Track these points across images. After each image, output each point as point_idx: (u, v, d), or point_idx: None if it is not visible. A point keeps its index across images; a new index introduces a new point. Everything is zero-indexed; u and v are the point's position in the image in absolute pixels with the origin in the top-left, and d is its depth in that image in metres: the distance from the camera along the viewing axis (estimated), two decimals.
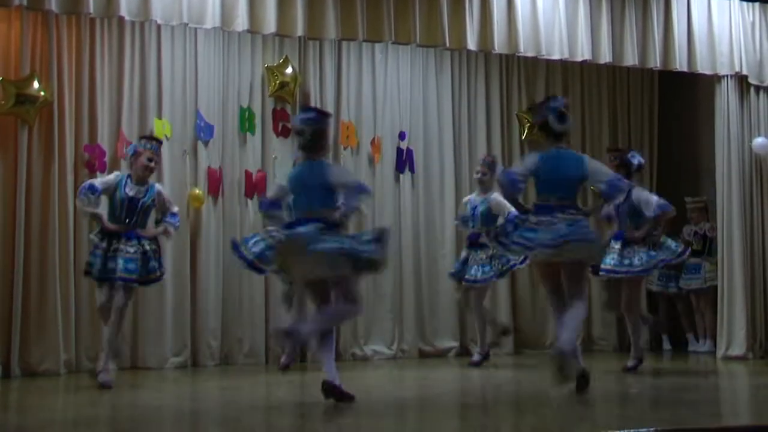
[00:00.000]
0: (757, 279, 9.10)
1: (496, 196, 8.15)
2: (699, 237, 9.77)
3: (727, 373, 8.26)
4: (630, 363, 7.75)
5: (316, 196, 6.01)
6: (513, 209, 6.98)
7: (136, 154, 7.13)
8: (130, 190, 7.04)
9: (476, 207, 8.42)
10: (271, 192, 6.55)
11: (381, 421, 5.58)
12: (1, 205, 7.90)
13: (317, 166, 6.11)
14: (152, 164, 7.18)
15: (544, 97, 7.69)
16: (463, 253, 8.53)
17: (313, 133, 6.10)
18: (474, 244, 8.38)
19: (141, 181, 7.09)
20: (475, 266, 8.31)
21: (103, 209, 7.09)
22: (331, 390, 5.82)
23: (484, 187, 8.44)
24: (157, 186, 7.32)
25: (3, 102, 7.88)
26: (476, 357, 8.49)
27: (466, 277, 8.34)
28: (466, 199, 8.75)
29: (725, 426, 5.30)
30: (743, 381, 7.80)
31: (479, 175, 8.52)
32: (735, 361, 8.76)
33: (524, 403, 6.29)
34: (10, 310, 7.77)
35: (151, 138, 7.49)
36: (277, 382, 7.73)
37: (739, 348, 8.89)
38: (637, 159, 7.98)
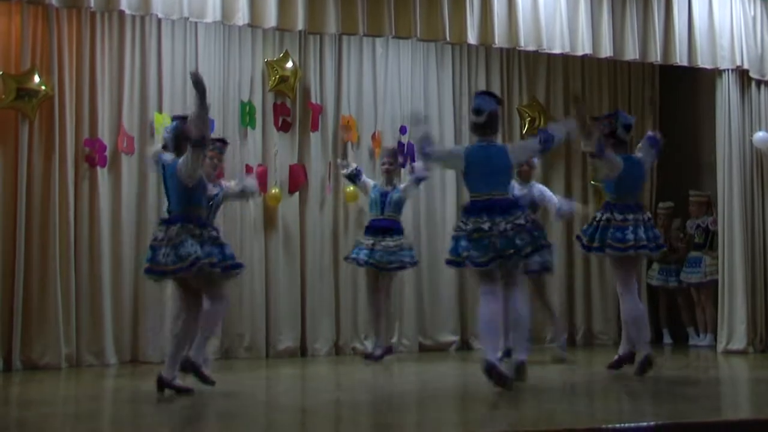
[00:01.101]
0: (758, 273, 9.10)
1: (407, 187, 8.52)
2: (702, 230, 9.77)
3: (728, 367, 8.26)
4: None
5: (500, 179, 6.37)
6: None
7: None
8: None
9: (387, 194, 8.42)
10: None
11: (381, 416, 5.58)
12: (1, 199, 7.90)
13: (495, 148, 6.42)
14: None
15: (609, 113, 8.22)
16: (369, 241, 8.37)
17: (489, 115, 6.41)
18: (382, 231, 8.35)
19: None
20: (384, 252, 8.27)
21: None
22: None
23: (390, 177, 8.51)
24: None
25: (3, 96, 7.88)
26: (377, 351, 8.43)
27: (372, 262, 8.29)
28: (372, 183, 8.64)
29: (725, 420, 5.29)
30: (743, 375, 7.81)
31: (387, 166, 8.53)
32: (735, 355, 8.77)
33: (524, 397, 6.29)
34: (11, 303, 7.79)
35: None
36: (277, 377, 7.75)
37: (739, 342, 8.90)
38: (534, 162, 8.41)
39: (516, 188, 8.25)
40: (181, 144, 6.37)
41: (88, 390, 6.90)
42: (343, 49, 9.48)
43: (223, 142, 7.73)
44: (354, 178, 8.67)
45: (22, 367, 7.78)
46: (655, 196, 10.35)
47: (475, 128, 6.53)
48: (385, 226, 8.37)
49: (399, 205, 8.46)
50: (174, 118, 6.81)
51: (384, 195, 8.45)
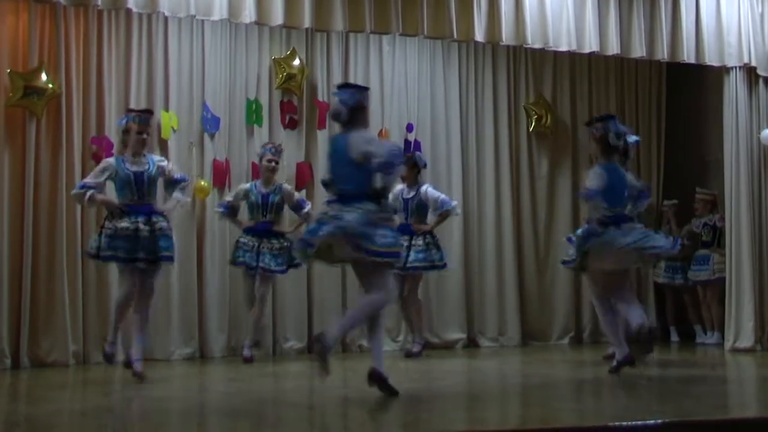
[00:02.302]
0: (766, 270, 9.08)
1: (287, 187, 8.47)
2: (709, 228, 9.75)
3: (735, 365, 8.25)
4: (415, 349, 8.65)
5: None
6: None
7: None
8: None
9: (268, 196, 8.32)
10: None
11: (388, 413, 5.59)
12: (9, 197, 7.92)
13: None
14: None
15: (602, 114, 8.31)
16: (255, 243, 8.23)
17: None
18: (265, 233, 8.26)
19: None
20: (268, 255, 8.18)
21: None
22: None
23: (271, 176, 8.38)
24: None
25: (11, 94, 7.89)
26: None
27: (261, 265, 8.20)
28: (246, 186, 8.51)
29: (732, 418, 5.29)
30: (751, 373, 7.80)
31: (273, 164, 8.39)
32: (743, 353, 8.75)
33: (531, 395, 6.30)
34: (19, 301, 7.81)
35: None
36: (285, 374, 7.75)
37: (747, 340, 8.88)
38: (423, 161, 8.85)
39: (404, 191, 8.60)
40: (356, 115, 6.13)
41: (95, 387, 6.91)
42: (350, 47, 9.48)
43: (149, 112, 7.39)
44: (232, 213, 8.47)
45: (30, 364, 7.80)
46: (661, 194, 10.33)
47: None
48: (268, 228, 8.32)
49: (278, 206, 8.37)
50: (343, 87, 6.46)
51: (266, 197, 8.33)
